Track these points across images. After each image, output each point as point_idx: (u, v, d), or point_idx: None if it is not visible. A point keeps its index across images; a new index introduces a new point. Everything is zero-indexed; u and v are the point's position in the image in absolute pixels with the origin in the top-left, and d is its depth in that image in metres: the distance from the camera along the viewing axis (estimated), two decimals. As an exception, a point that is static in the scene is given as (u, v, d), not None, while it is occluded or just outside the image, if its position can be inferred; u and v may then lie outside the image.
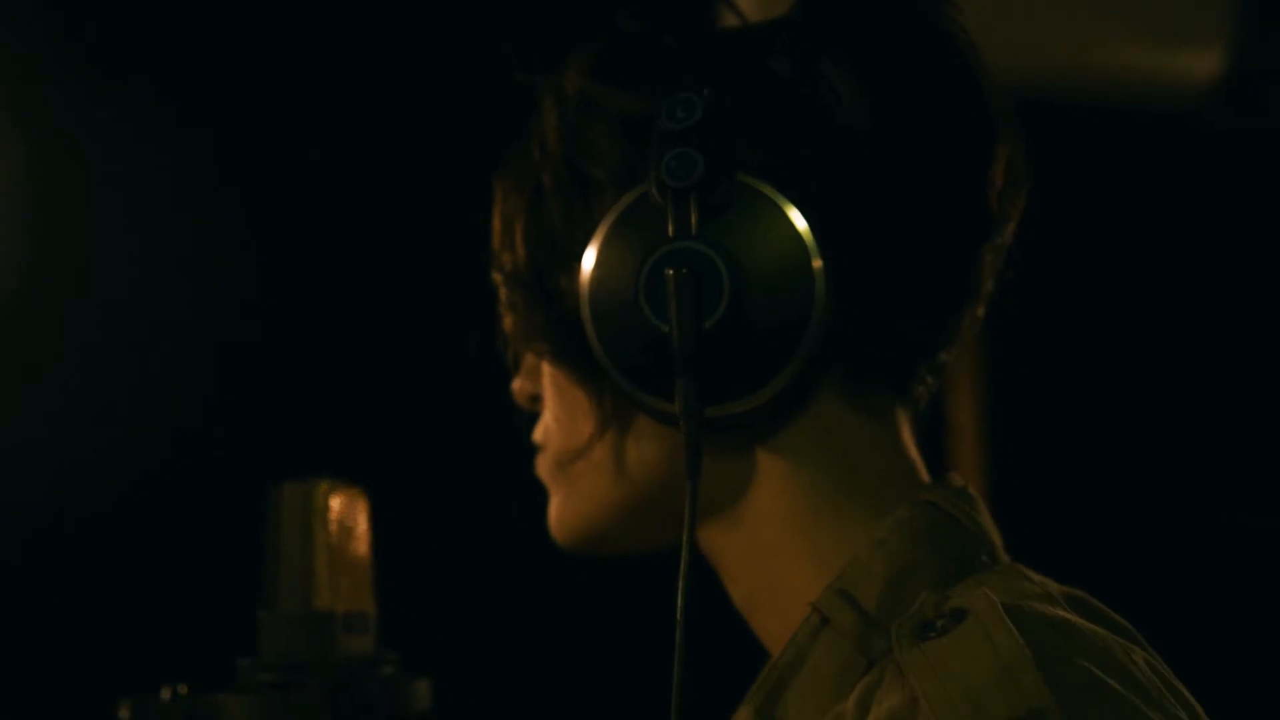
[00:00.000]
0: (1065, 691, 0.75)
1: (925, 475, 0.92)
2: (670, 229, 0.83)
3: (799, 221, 0.84)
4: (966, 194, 0.89)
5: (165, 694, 0.87)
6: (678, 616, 0.81)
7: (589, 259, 0.86)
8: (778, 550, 0.90)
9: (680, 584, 0.81)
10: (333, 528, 0.86)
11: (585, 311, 0.86)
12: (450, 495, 1.77)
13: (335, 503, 0.87)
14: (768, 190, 0.84)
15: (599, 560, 0.98)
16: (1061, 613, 0.81)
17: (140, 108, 1.77)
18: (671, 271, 0.82)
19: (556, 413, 0.95)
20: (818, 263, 0.83)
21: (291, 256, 1.80)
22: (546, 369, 0.96)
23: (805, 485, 0.90)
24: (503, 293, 0.96)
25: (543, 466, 0.98)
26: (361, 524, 0.88)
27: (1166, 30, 2.11)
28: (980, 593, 0.81)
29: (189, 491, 1.70)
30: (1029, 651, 0.76)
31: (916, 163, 0.87)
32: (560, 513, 0.96)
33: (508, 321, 0.97)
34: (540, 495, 0.96)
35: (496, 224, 0.96)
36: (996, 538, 0.90)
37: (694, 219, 0.83)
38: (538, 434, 0.98)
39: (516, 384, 1.00)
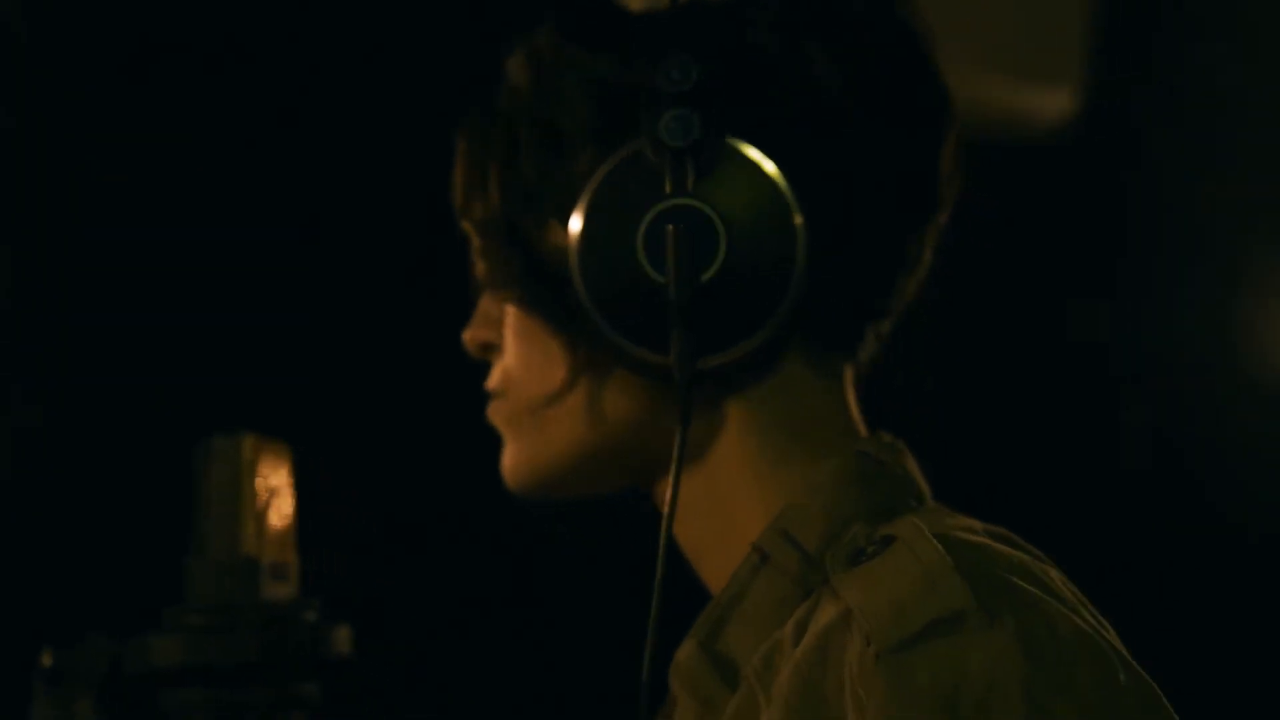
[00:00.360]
0: (983, 594, 0.81)
1: (864, 430, 0.99)
2: (667, 186, 0.89)
3: (782, 183, 0.90)
4: (922, 170, 0.97)
5: (90, 641, 0.90)
6: (659, 566, 0.88)
7: (579, 212, 0.91)
8: (729, 496, 0.96)
9: (664, 528, 0.88)
10: (258, 480, 0.90)
11: (574, 261, 0.90)
12: (367, 451, 1.79)
13: (261, 456, 0.90)
14: (754, 153, 0.90)
15: (532, 507, 1.02)
16: (983, 539, 0.88)
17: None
18: (672, 226, 0.88)
19: (524, 360, 0.98)
20: (799, 220, 0.90)
21: (217, 213, 1.81)
22: (512, 317, 0.99)
23: (761, 437, 0.96)
24: (474, 240, 1.00)
25: (501, 412, 1.01)
26: (284, 478, 0.91)
27: (1021, 69, 2.20)
28: (908, 520, 0.88)
29: (113, 445, 1.71)
30: (950, 560, 0.83)
31: (881, 138, 0.95)
32: (520, 458, 1.00)
33: (478, 268, 1.00)
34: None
35: (461, 173, 1.00)
36: (924, 485, 0.97)
37: (690, 178, 0.89)
38: (494, 381, 1.01)
39: (469, 333, 1.02)
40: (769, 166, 0.90)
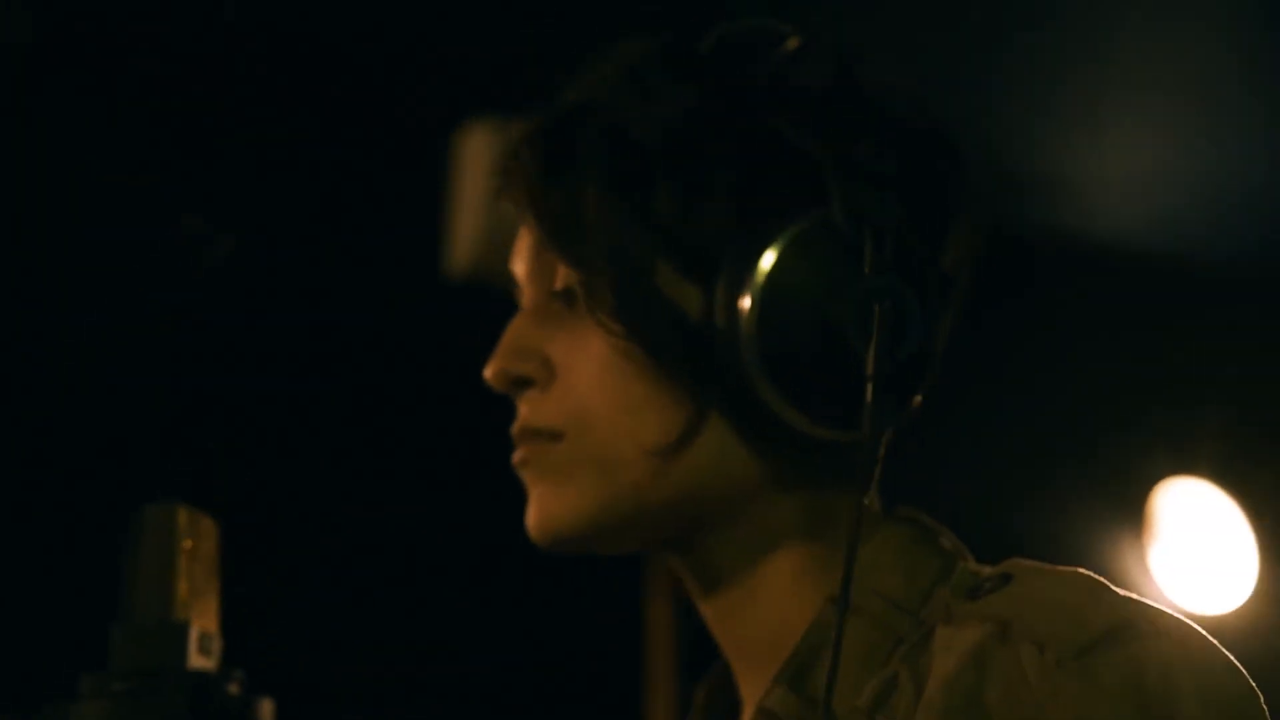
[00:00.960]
0: (1141, 608, 0.87)
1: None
2: (867, 264, 0.90)
3: (935, 275, 0.94)
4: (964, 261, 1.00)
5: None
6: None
7: (763, 274, 0.91)
8: (785, 557, 0.98)
9: (841, 592, 0.87)
10: (188, 549, 0.89)
11: (750, 322, 0.91)
12: (289, 522, 1.78)
13: (192, 526, 0.90)
14: (916, 244, 0.94)
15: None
16: None
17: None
18: (878, 306, 0.90)
19: (621, 404, 0.95)
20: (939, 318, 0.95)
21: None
22: (604, 356, 0.95)
23: (825, 499, 0.99)
24: (569, 265, 0.97)
25: (561, 454, 0.97)
26: (212, 549, 0.91)
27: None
28: (1010, 562, 0.91)
29: (31, 512, 1.68)
30: (1098, 579, 0.88)
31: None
32: (583, 503, 0.96)
33: (591, 302, 0.96)
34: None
35: (553, 192, 0.96)
36: (965, 549, 0.99)
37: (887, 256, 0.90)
38: (546, 418, 0.97)
39: (500, 364, 0.98)
40: (921, 258, 0.93)
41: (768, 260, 0.91)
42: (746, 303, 0.91)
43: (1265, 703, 0.88)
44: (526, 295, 1.01)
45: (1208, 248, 3.82)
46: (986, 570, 0.93)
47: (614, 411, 0.96)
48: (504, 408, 1.01)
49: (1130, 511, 3.14)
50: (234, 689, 0.87)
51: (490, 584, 2.66)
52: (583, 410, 0.96)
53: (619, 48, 0.99)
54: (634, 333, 0.94)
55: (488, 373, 0.99)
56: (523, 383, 0.99)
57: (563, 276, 0.98)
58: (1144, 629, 0.85)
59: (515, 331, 0.99)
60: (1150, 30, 3.35)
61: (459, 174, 3.03)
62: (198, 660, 0.88)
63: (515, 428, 0.99)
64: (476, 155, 3.00)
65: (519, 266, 1.02)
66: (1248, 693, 0.86)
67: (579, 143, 0.95)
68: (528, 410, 0.98)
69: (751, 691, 0.99)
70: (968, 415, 2.69)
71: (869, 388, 0.89)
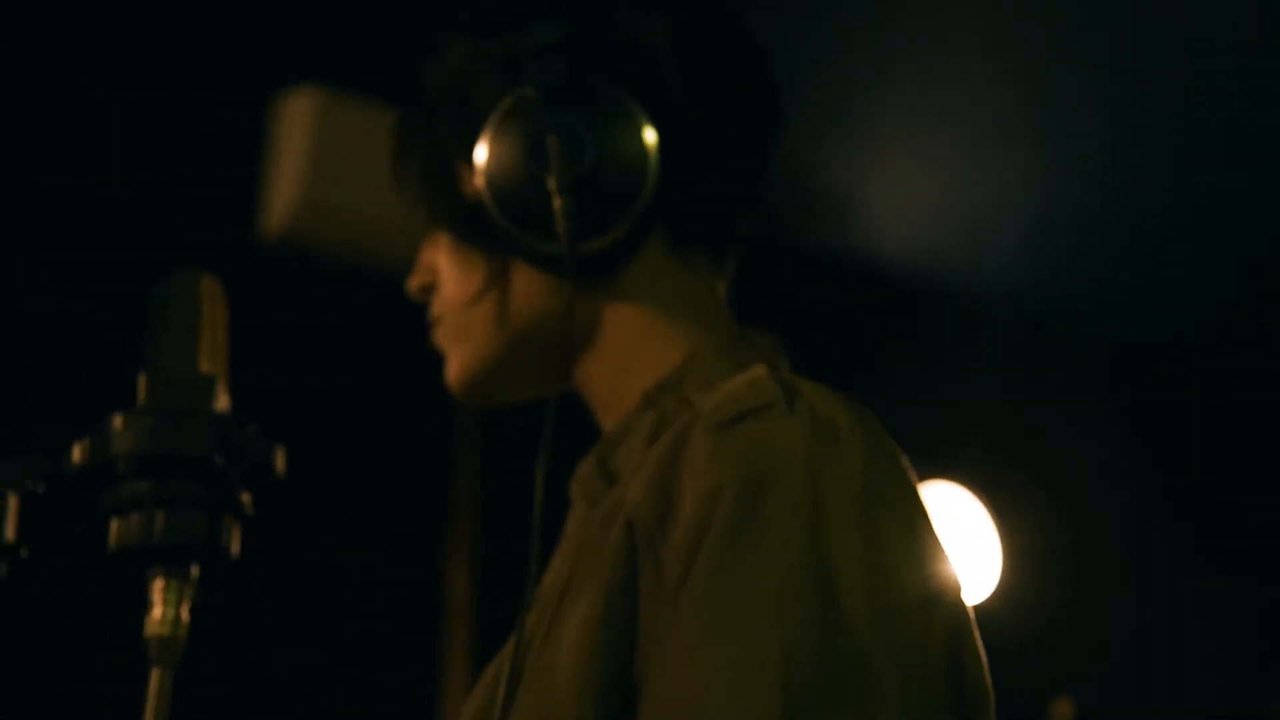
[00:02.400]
0: (789, 395, 1.08)
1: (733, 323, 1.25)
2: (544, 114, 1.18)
3: (634, 106, 1.19)
4: (756, 105, 1.27)
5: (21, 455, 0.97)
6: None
7: (482, 144, 1.19)
8: (626, 368, 1.22)
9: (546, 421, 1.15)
10: (210, 313, 0.98)
11: (481, 181, 1.18)
12: None
13: (213, 294, 0.99)
14: (617, 91, 1.20)
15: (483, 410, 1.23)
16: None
17: None
18: (554, 136, 1.17)
19: (452, 279, 1.25)
20: (650, 138, 1.18)
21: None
22: (444, 249, 1.26)
23: (644, 317, 1.23)
24: (411, 196, 1.27)
25: (443, 334, 1.27)
26: (226, 322, 1.00)
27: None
28: (759, 365, 1.14)
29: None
30: (770, 374, 1.11)
31: (721, 90, 1.26)
32: (457, 365, 1.26)
33: (420, 218, 1.26)
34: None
35: (395, 154, 1.28)
36: (784, 362, 1.24)
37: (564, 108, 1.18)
38: (435, 310, 1.27)
39: (412, 280, 1.28)
40: (628, 99, 1.19)
41: (485, 133, 1.20)
42: (477, 159, 1.20)
43: (1008, 692, 1.11)
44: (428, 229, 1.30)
45: (973, 272, 4.02)
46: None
47: (450, 287, 1.26)
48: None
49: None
50: (253, 429, 0.96)
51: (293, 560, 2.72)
52: (444, 297, 1.27)
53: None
54: (438, 223, 1.27)
55: (408, 287, 1.30)
56: (424, 289, 1.29)
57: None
58: (777, 410, 1.06)
59: (422, 255, 1.29)
60: (932, 67, 3.52)
61: (280, 139, 3.09)
62: (220, 408, 0.97)
63: (430, 321, 1.29)
64: (298, 121, 3.05)
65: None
66: (875, 457, 1.05)
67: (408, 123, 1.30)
68: (431, 307, 1.29)
69: None
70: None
71: (555, 200, 1.16)
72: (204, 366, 0.96)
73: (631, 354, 1.22)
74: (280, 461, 0.97)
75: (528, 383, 1.28)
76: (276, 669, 3.06)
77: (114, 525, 0.94)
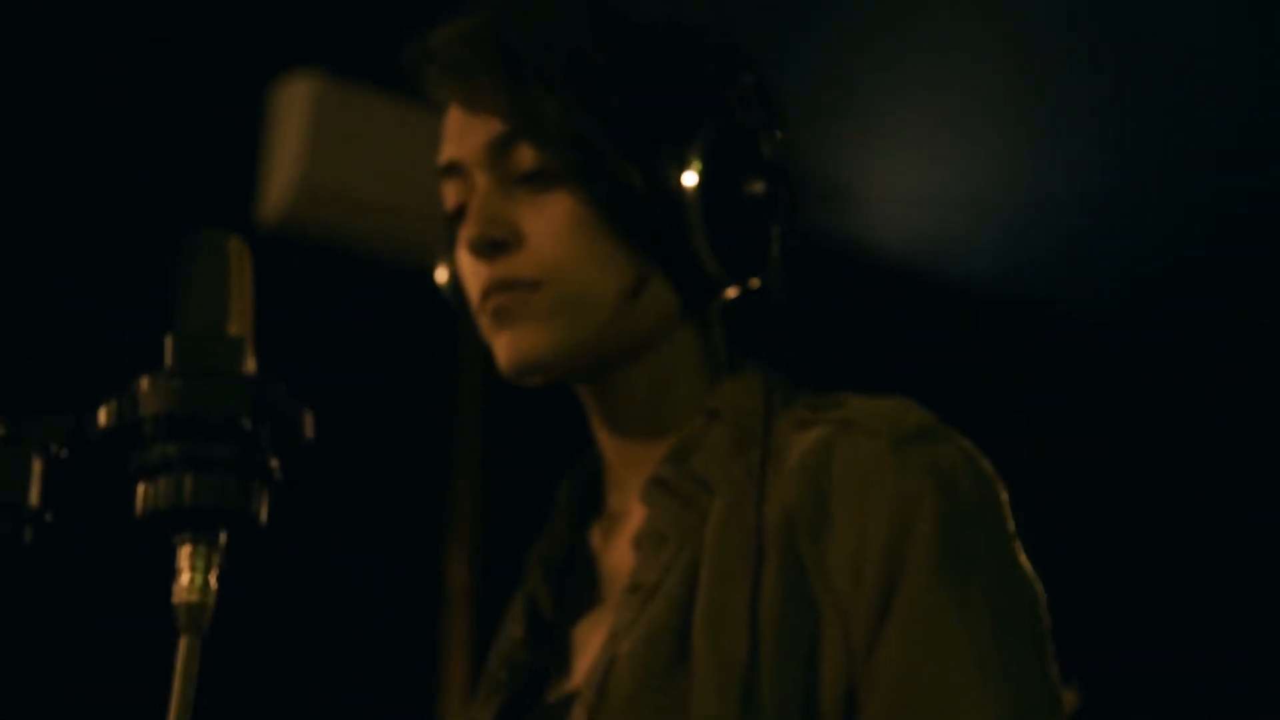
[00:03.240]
0: (937, 420, 1.17)
1: None
2: (766, 157, 1.23)
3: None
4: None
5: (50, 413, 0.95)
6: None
7: (698, 166, 1.20)
8: (676, 382, 1.25)
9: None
10: (238, 272, 0.96)
11: (692, 192, 1.19)
12: None
13: (240, 253, 0.97)
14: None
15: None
16: None
17: None
18: (773, 186, 1.23)
19: (585, 255, 1.20)
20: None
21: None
22: (574, 214, 1.20)
23: (703, 345, 1.26)
24: (559, 131, 1.20)
25: (539, 301, 1.20)
26: (251, 281, 0.97)
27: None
28: (845, 394, 1.21)
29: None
30: (910, 401, 1.18)
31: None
32: (555, 339, 1.20)
33: (582, 178, 1.20)
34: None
35: (548, 58, 1.20)
36: None
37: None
38: (522, 269, 1.20)
39: (483, 229, 1.20)
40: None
41: (700, 148, 1.20)
42: (688, 178, 1.19)
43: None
44: (482, 178, 1.22)
45: (965, 263, 4.02)
46: (827, 397, 1.22)
47: (584, 264, 1.20)
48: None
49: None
50: (283, 390, 0.94)
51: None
52: (558, 262, 1.20)
53: None
54: (597, 201, 1.20)
55: (472, 236, 1.21)
56: (498, 245, 1.21)
57: (528, 160, 1.21)
58: (942, 434, 1.16)
59: (488, 205, 1.21)
60: (930, 58, 3.52)
61: (278, 124, 3.07)
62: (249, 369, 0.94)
63: (489, 281, 1.21)
64: (297, 106, 3.04)
65: (463, 152, 1.23)
66: (997, 484, 1.17)
67: (538, 53, 1.21)
68: (505, 266, 1.21)
69: (629, 487, 1.26)
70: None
71: (775, 247, 1.22)
72: (232, 328, 0.94)
73: (684, 371, 1.25)
74: (309, 426, 0.94)
75: (586, 374, 1.26)
76: (277, 659, 3.03)
77: (141, 489, 0.91)
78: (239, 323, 0.95)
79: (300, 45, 3.14)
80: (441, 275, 1.32)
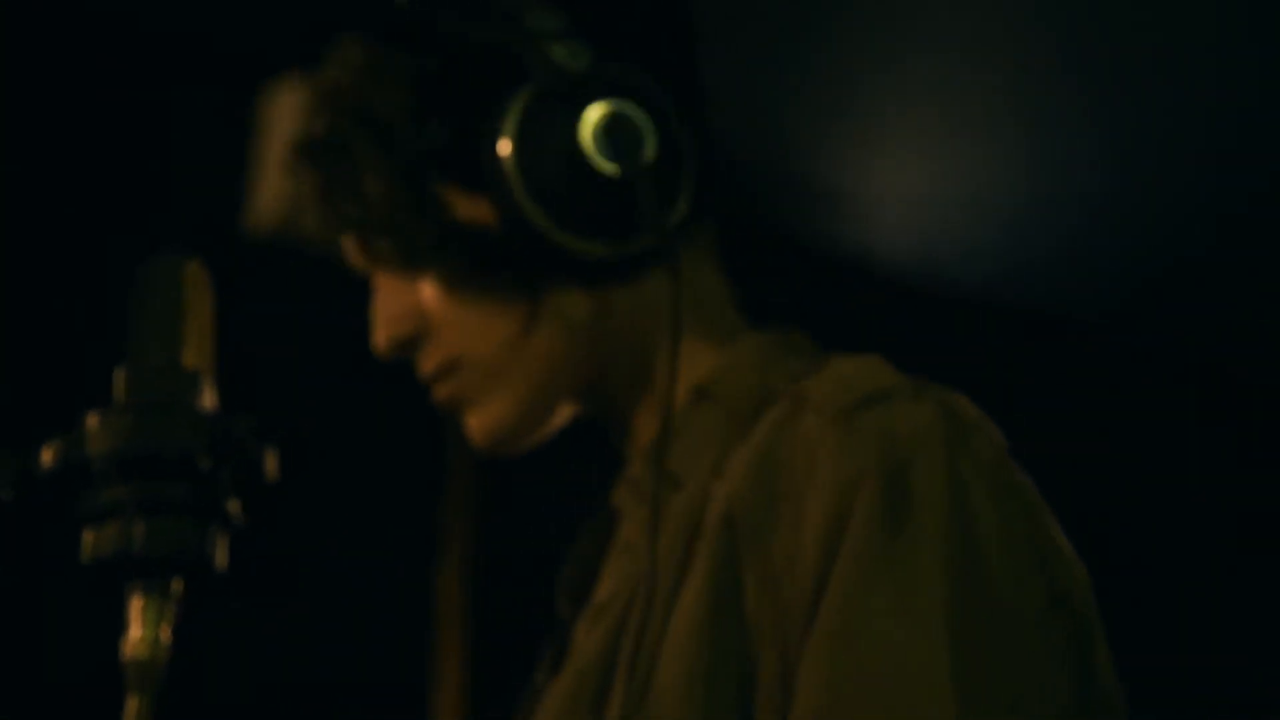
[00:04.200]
0: (909, 381, 1.02)
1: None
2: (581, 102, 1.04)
3: (664, 94, 1.07)
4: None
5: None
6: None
7: (506, 145, 1.03)
8: (657, 366, 1.10)
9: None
10: (194, 302, 0.89)
11: (516, 185, 1.02)
12: None
13: (197, 280, 0.90)
14: (636, 73, 1.07)
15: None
16: None
17: None
18: (614, 114, 1.04)
19: (473, 322, 1.08)
20: (680, 124, 1.07)
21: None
22: (440, 291, 1.08)
23: (666, 311, 1.08)
24: (361, 239, 1.10)
25: (463, 383, 1.10)
26: (211, 309, 0.91)
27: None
28: (842, 356, 1.06)
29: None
30: (881, 360, 1.03)
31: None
32: (501, 413, 1.10)
33: (380, 263, 1.10)
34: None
35: (311, 187, 1.12)
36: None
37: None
38: (437, 361, 1.10)
39: (384, 334, 1.11)
40: (647, 80, 1.06)
41: (504, 131, 1.04)
42: (503, 171, 1.03)
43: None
44: (377, 277, 1.13)
45: (964, 265, 3.98)
46: (818, 361, 1.08)
47: (474, 331, 1.09)
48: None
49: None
50: (244, 425, 0.87)
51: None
52: (458, 339, 1.10)
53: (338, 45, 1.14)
54: (432, 263, 1.09)
55: (376, 346, 1.12)
56: (406, 343, 1.12)
57: (384, 257, 1.11)
58: (905, 394, 0.99)
59: (382, 305, 1.12)
60: (928, 62, 3.49)
61: (264, 131, 3.01)
62: (206, 405, 0.88)
63: (424, 377, 1.12)
64: (285, 112, 2.98)
65: (355, 263, 1.14)
66: (994, 449, 1.00)
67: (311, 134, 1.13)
68: (427, 359, 1.12)
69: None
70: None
71: (631, 192, 1.04)
72: (188, 360, 0.87)
73: (661, 351, 1.09)
74: (272, 464, 0.88)
75: (559, 419, 1.14)
76: (267, 670, 2.99)
77: (88, 535, 0.85)
78: (196, 354, 0.88)
79: (299, 47, 3.07)
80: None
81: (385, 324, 1.11)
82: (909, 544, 0.94)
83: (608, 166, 1.02)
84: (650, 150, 1.03)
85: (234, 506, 0.86)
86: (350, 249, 1.13)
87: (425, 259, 1.09)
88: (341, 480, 3.04)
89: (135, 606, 0.83)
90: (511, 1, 1.07)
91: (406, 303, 1.11)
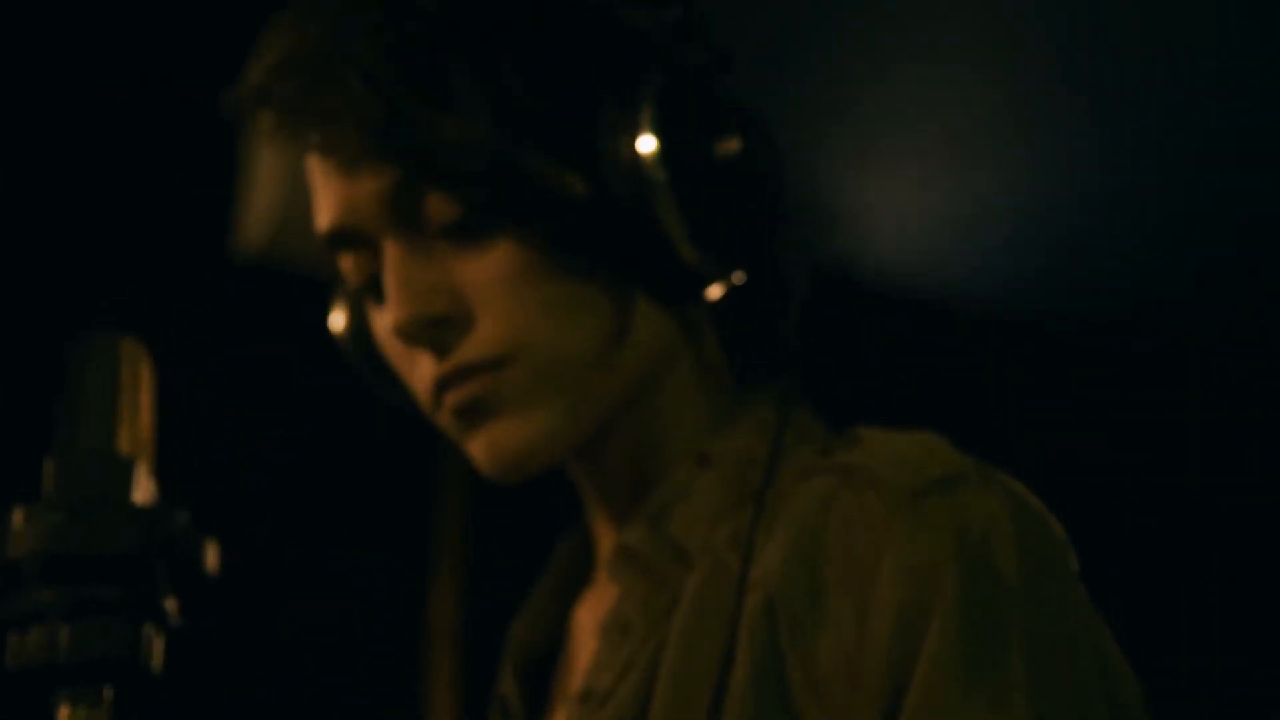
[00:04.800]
0: (976, 464, 0.93)
1: None
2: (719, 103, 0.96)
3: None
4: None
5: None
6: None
7: (649, 136, 0.92)
8: (665, 419, 1.00)
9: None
10: (130, 381, 0.84)
11: (655, 179, 0.91)
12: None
13: (134, 357, 0.84)
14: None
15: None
16: None
17: None
18: (744, 144, 0.95)
19: (542, 315, 0.93)
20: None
21: None
22: (516, 266, 0.93)
23: (692, 361, 1.01)
24: (444, 173, 0.93)
25: (516, 382, 0.95)
26: (150, 385, 0.85)
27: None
28: (863, 427, 0.97)
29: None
30: (943, 440, 0.93)
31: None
32: (549, 427, 0.95)
33: (461, 221, 0.94)
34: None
35: (387, 104, 0.91)
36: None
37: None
38: (488, 350, 0.94)
39: (413, 309, 0.94)
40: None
41: (646, 124, 0.92)
42: (645, 163, 0.91)
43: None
44: (390, 242, 0.96)
45: (966, 284, 3.96)
46: (843, 433, 0.99)
47: (551, 322, 0.94)
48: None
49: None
50: (182, 521, 0.82)
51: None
52: (520, 330, 0.94)
53: None
54: (544, 234, 0.93)
55: (400, 321, 0.94)
56: (439, 323, 0.95)
57: (441, 209, 0.95)
58: (974, 481, 0.91)
59: (410, 275, 0.94)
60: (927, 76, 3.48)
61: (254, 155, 2.97)
62: (141, 494, 0.82)
63: (444, 371, 0.95)
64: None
65: (353, 216, 0.97)
66: (1060, 546, 0.93)
67: (403, 59, 0.92)
68: (456, 350, 0.95)
69: (609, 542, 1.02)
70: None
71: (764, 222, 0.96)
72: (123, 447, 0.81)
73: (682, 406, 1.00)
74: (213, 558, 0.82)
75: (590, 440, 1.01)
76: (257, 689, 2.96)
77: (13, 640, 0.79)
78: (132, 439, 0.82)
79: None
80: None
81: (416, 297, 0.93)
82: (997, 644, 0.87)
83: (755, 195, 0.95)
84: (776, 182, 0.96)
85: (171, 605, 0.81)
86: (396, 205, 0.95)
87: (526, 216, 0.92)
88: (333, 497, 3.01)
89: (63, 717, 0.78)
90: None
91: (440, 276, 0.94)
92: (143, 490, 0.81)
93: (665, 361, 0.99)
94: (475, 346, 0.94)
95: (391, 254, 0.95)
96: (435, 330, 0.94)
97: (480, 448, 0.96)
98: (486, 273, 0.94)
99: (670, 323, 0.98)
